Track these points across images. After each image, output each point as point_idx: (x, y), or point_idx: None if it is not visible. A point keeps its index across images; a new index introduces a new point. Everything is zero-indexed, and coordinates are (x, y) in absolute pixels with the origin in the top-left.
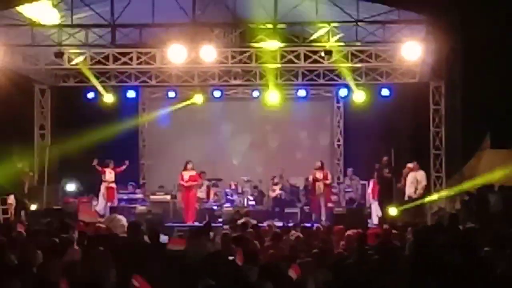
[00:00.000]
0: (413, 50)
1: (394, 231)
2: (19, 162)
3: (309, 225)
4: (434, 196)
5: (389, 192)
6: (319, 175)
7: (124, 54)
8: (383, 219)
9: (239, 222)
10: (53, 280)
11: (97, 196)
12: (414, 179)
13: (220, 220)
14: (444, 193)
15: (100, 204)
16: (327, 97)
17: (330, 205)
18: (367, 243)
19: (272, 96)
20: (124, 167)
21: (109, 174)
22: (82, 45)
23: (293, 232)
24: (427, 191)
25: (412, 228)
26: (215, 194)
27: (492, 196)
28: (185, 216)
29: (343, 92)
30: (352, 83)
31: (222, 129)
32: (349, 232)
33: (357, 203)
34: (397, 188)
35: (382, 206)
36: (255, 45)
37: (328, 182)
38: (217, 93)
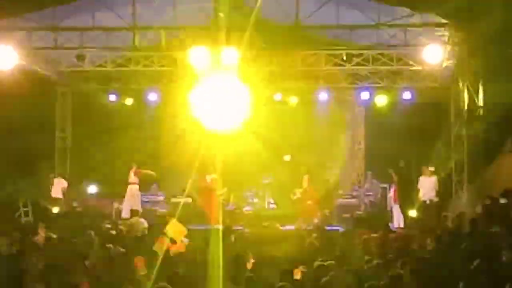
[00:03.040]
0: (434, 53)
1: (415, 235)
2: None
3: (330, 228)
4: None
5: (409, 196)
6: None
7: (145, 57)
8: (404, 222)
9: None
10: (75, 282)
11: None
12: (435, 183)
13: (240, 223)
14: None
15: (126, 207)
16: (348, 100)
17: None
18: (389, 247)
19: (294, 100)
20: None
21: (134, 176)
22: (103, 47)
23: (315, 235)
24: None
25: (433, 232)
26: (235, 196)
27: None
28: (207, 218)
29: (364, 95)
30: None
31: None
32: (370, 236)
33: (378, 206)
34: (417, 191)
35: (400, 208)
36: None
37: (299, 190)
38: None
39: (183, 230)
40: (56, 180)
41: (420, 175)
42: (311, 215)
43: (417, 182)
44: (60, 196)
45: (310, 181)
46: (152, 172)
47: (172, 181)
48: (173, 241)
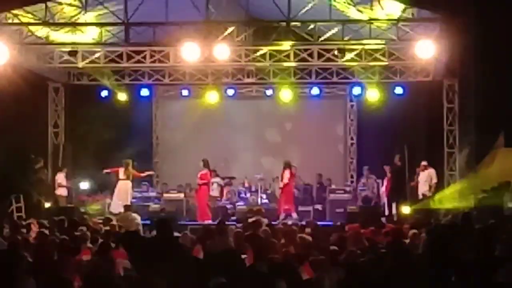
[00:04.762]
0: (426, 48)
1: (407, 229)
2: (37, 160)
3: (322, 223)
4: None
5: (402, 190)
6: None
7: (137, 53)
8: (396, 217)
9: (252, 220)
10: (67, 278)
11: (111, 195)
12: (428, 177)
13: (233, 218)
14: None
15: (115, 203)
16: (340, 96)
17: (285, 207)
18: (381, 241)
19: (285, 95)
20: (143, 174)
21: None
22: (95, 43)
23: (307, 230)
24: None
25: (425, 226)
26: (228, 192)
27: (507, 195)
28: (196, 215)
29: (356, 90)
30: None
31: (235, 128)
32: (361, 231)
33: (373, 202)
34: (410, 186)
35: (392, 203)
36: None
37: (279, 185)
38: (230, 92)
39: None
40: (57, 176)
41: (415, 169)
42: (286, 210)
43: (412, 176)
44: (63, 193)
45: (292, 176)
46: (147, 173)
47: (163, 177)
48: None
